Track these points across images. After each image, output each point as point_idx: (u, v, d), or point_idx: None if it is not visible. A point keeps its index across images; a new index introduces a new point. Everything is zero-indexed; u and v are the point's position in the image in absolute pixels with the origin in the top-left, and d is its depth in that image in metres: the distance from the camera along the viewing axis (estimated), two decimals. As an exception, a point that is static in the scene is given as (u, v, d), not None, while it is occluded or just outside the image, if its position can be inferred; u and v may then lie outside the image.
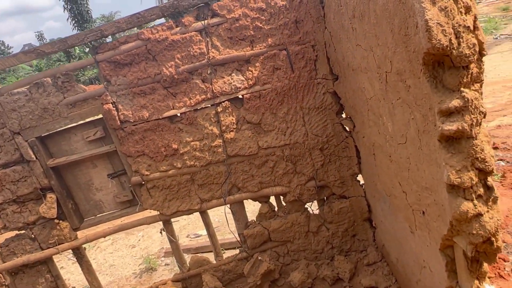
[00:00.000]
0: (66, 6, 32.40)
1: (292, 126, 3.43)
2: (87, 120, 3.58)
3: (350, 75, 2.98)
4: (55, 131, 3.54)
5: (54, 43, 3.31)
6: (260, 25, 3.26)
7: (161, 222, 3.83)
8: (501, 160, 6.08)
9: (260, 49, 3.31)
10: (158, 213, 3.73)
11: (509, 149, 6.54)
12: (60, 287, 3.92)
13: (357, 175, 3.54)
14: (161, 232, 3.84)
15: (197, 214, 3.84)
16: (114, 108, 3.42)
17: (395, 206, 2.80)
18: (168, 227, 3.84)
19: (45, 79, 3.39)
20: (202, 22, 3.27)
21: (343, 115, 3.44)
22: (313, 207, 3.79)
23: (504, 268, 3.39)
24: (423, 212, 2.32)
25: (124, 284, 5.80)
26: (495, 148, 6.64)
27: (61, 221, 3.70)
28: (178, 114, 3.46)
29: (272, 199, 3.75)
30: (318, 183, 3.54)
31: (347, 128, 3.43)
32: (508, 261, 3.44)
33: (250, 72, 3.34)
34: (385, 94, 2.38)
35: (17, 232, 3.74)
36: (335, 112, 3.40)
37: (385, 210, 3.08)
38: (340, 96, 3.33)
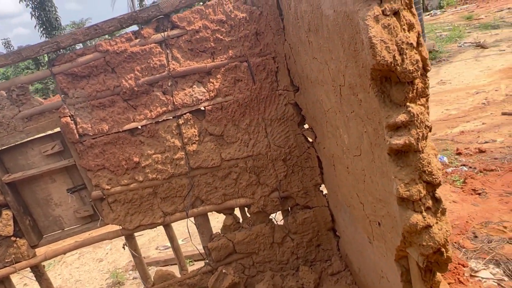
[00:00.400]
0: (33, 13, 31.63)
1: (255, 138, 3.43)
2: (45, 134, 3.48)
3: (309, 87, 3.00)
4: (10, 145, 3.42)
5: (7, 55, 3.21)
6: (221, 37, 3.26)
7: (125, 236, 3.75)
8: (464, 165, 6.24)
9: (221, 60, 3.30)
10: (121, 227, 3.64)
11: (471, 155, 6.71)
12: (18, 307, 3.77)
13: (320, 185, 3.57)
14: (123, 247, 3.76)
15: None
16: (72, 122, 3.33)
17: (354, 216, 2.82)
18: (131, 241, 3.76)
19: (-2, 92, 3.28)
20: (162, 34, 3.24)
21: (305, 126, 3.47)
22: (278, 218, 3.78)
23: (464, 274, 3.47)
24: (379, 223, 2.35)
25: (89, 300, 5.64)
26: (459, 153, 6.82)
27: (18, 239, 3.57)
28: (139, 127, 3.41)
29: (237, 211, 3.73)
30: (281, 194, 3.54)
31: (309, 139, 3.45)
32: (467, 267, 3.53)
33: (211, 84, 3.33)
34: (340, 107, 2.40)
35: (-29, 251, 3.59)
36: (297, 123, 3.42)
37: (346, 220, 3.11)
38: (301, 107, 3.35)
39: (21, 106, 3.33)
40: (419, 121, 1.78)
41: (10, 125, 3.33)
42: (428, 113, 1.85)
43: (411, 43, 1.68)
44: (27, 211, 3.64)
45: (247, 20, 3.24)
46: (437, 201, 1.91)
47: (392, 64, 1.67)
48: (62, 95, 3.31)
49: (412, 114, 1.76)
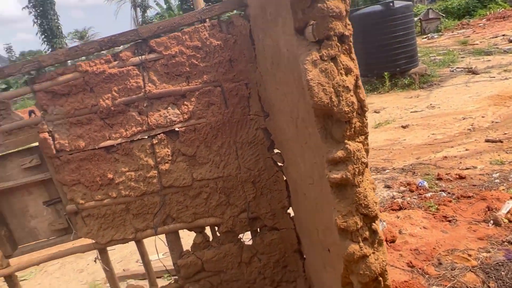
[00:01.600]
0: (36, 20, 32.07)
1: (226, 160, 3.55)
2: (23, 147, 3.60)
3: (276, 114, 3.14)
4: (-11, 158, 3.55)
5: (-10, 72, 3.35)
6: (196, 62, 3.40)
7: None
8: (443, 191, 6.34)
9: (196, 85, 3.44)
10: (93, 241, 3.74)
11: (451, 180, 6.82)
12: (-11, 316, 3.84)
13: (287, 208, 3.67)
14: (95, 261, 3.84)
15: (150, 238, 3.80)
16: (50, 137, 3.45)
17: (312, 240, 2.93)
18: (103, 255, 3.85)
19: (-20, 106, 3.41)
20: (140, 57, 3.38)
21: (275, 150, 3.59)
22: (247, 238, 3.88)
23: (424, 300, 3.57)
24: (329, 250, 2.46)
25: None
26: (439, 179, 6.92)
27: (-8, 249, 3.66)
28: (115, 145, 3.52)
29: (208, 229, 3.83)
30: (250, 215, 3.65)
31: (278, 163, 3.57)
32: (428, 293, 3.63)
33: (185, 107, 3.46)
34: (296, 137, 2.54)
35: None
36: (266, 147, 3.55)
37: (308, 244, 3.22)
38: (271, 132, 3.48)
39: (2, 121, 3.45)
40: (355, 158, 1.90)
41: (-11, 139, 3.45)
42: (366, 150, 1.98)
43: (347, 86, 1.82)
44: (4, 222, 3.73)
45: (221, 47, 3.39)
46: (374, 232, 2.02)
47: (329, 105, 1.81)
48: (42, 112, 3.44)
49: (349, 151, 1.89)
